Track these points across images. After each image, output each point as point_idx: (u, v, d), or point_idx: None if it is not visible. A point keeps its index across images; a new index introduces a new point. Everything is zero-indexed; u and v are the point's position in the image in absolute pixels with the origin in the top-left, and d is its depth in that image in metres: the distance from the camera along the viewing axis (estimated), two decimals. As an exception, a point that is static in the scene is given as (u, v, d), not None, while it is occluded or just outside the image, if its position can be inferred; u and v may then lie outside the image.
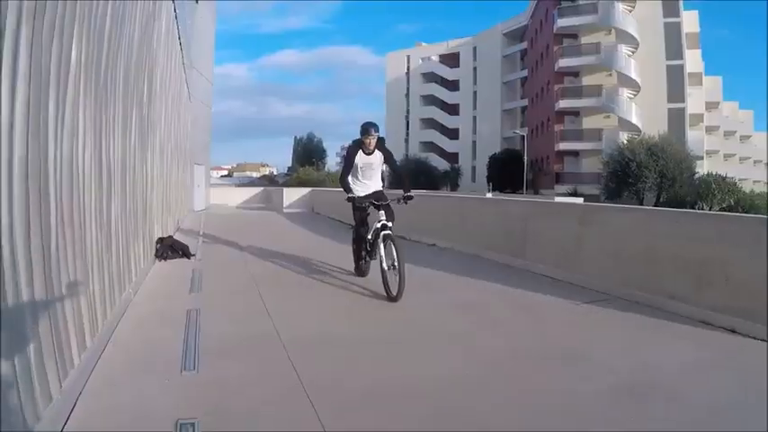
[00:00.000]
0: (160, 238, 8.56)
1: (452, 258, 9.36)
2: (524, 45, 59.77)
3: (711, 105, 59.43)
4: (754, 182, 54.17)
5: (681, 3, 45.04)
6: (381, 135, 6.83)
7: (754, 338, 4.67)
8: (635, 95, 44.28)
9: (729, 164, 58.98)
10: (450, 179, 62.43)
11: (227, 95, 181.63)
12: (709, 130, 58.17)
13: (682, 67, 43.99)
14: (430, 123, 71.35)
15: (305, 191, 27.72)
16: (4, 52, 2.18)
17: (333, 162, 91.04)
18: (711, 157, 56.62)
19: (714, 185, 16.52)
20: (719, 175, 25.65)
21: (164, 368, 3.74)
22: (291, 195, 27.05)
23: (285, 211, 24.41)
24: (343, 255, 8.05)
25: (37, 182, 2.68)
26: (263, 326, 4.91)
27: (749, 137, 63.43)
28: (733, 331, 4.92)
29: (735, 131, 61.40)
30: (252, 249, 10.21)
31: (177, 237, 9.93)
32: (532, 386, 3.59)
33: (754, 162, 61.29)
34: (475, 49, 67.30)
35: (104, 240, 4.29)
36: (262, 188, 36.89)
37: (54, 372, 2.77)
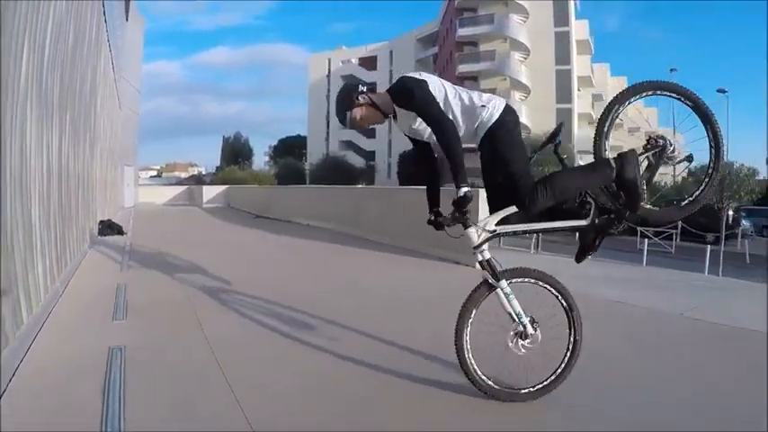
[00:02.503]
0: (101, 220, 11.93)
1: (315, 232, 13.11)
2: (436, 50, 63.79)
3: None
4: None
5: (572, 14, 50.15)
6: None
7: (465, 265, 8.14)
8: (526, 98, 48.91)
9: (634, 158, 65.03)
10: (366, 175, 65.85)
11: (159, 93, 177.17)
12: (615, 126, 63.92)
13: (570, 72, 49.07)
14: (349, 123, 74.30)
15: (223, 188, 31.04)
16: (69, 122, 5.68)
17: (261, 161, 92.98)
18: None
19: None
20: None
21: (113, 268, 7.37)
22: (211, 192, 30.26)
23: (205, 206, 27.43)
24: (225, 227, 11.76)
25: (60, 180, 6.27)
26: (163, 256, 8.49)
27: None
28: (457, 263, 8.52)
29: (639, 128, 66.89)
30: (167, 227, 13.95)
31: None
32: (315, 282, 7.25)
33: (661, 156, 67.32)
34: (391, 53, 71.14)
35: (77, 212, 7.84)
36: (186, 187, 39.71)
37: (73, 250, 6.34)
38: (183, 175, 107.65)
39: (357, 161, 68.95)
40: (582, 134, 49.70)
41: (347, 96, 3.39)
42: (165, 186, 45.57)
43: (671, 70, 47.69)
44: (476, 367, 3.16)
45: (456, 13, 51.86)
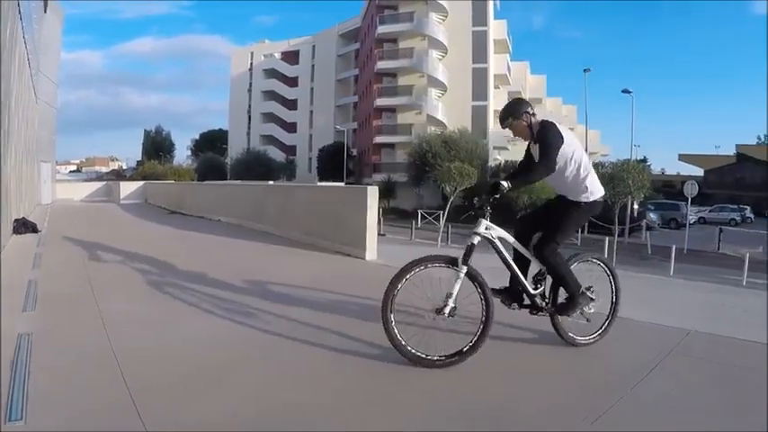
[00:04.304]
0: (16, 219, 12.12)
1: (224, 227, 13.54)
2: (358, 46, 64.33)
3: (535, 101, 67.78)
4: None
5: (490, 14, 51.90)
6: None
7: (357, 257, 8.76)
8: (443, 94, 50.45)
9: (552, 153, 67.83)
10: (287, 170, 66.07)
11: (80, 85, 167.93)
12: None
13: (486, 70, 50.82)
14: (270, 117, 74.71)
15: (140, 184, 30.88)
16: None
17: (183, 155, 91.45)
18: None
19: (455, 171, 21.72)
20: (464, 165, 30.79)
21: (25, 264, 7.80)
22: (128, 188, 29.84)
23: (122, 202, 26.97)
24: (137, 223, 12.27)
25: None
26: (73, 252, 8.60)
27: (572, 129, 72.36)
28: (349, 255, 8.99)
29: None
30: (81, 224, 14.23)
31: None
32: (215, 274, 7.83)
33: (576, 151, 70.45)
34: (314, 47, 71.25)
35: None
36: (105, 182, 38.88)
37: None
38: (104, 169, 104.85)
39: (278, 155, 69.03)
40: (496, 130, 51.93)
41: (520, 108, 4.15)
42: (84, 182, 44.23)
43: (585, 70, 50.34)
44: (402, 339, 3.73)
45: (377, 10, 52.63)
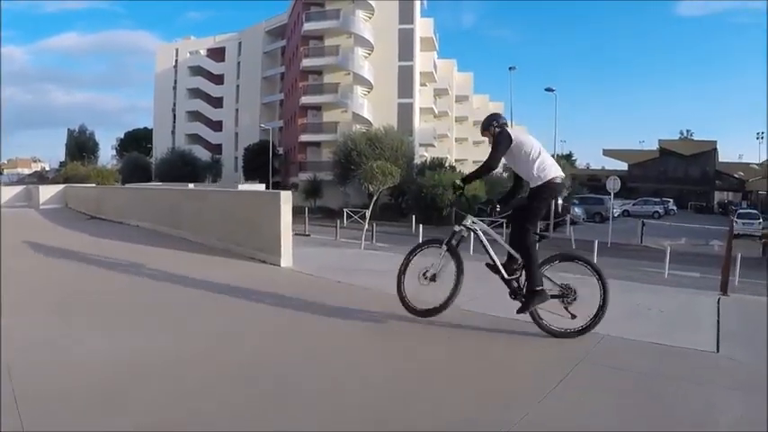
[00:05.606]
0: None
1: (137, 232, 13.34)
2: (284, 42, 63.88)
3: (462, 98, 69.64)
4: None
5: (417, 12, 52.38)
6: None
7: (272, 264, 8.68)
8: (368, 92, 50.86)
9: (480, 149, 69.05)
10: (213, 170, 65.19)
11: (2, 82, 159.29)
12: (460, 120, 68.55)
13: (412, 68, 51.33)
14: (196, 116, 73.13)
15: (60, 187, 29.60)
16: None
17: (108, 155, 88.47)
18: (462, 143, 66.41)
19: (377, 170, 21.84)
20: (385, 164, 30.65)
21: None
22: (48, 192, 28.42)
23: (42, 207, 25.62)
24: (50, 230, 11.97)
25: None
26: None
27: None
28: (264, 261, 8.90)
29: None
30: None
31: None
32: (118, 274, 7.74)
33: (505, 147, 72.41)
34: (240, 44, 70.25)
35: None
36: (24, 186, 36.93)
37: None
38: (27, 171, 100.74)
39: (204, 154, 67.79)
40: (423, 127, 52.71)
41: (488, 121, 5.08)
42: (3, 186, 41.94)
43: (510, 68, 51.42)
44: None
45: (303, 8, 52.37)
